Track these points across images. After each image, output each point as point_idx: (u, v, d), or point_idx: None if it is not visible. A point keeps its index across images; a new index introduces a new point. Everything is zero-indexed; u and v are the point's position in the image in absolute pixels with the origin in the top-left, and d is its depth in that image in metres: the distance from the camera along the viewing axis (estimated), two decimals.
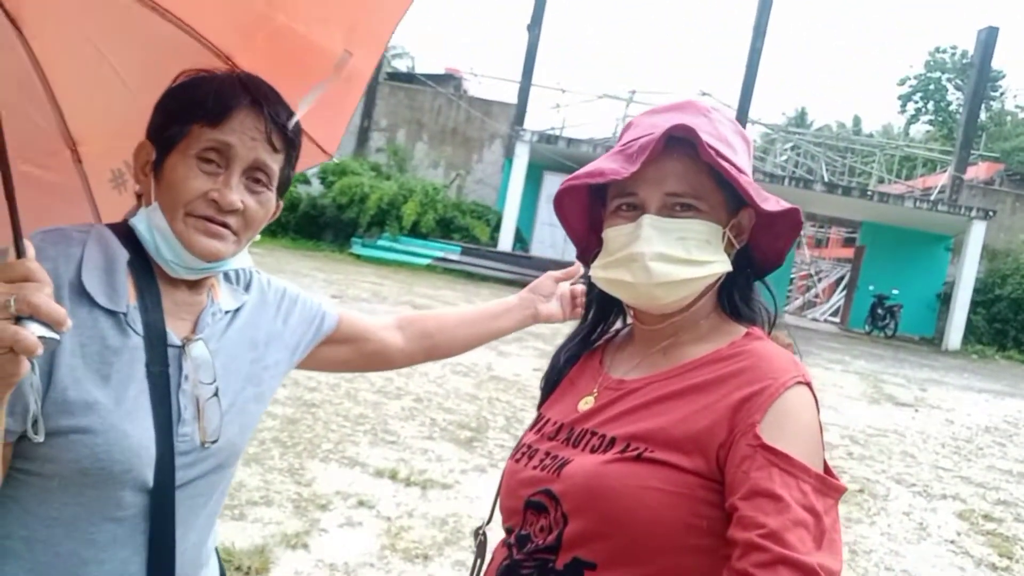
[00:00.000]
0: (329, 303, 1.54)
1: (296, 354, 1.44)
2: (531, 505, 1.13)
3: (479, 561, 1.28)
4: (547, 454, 1.16)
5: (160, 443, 1.13)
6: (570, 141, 20.75)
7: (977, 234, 19.59)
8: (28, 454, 1.09)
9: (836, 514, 0.99)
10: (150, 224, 1.18)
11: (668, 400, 1.10)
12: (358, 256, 19.08)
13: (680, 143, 1.10)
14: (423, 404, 6.61)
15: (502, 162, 22.59)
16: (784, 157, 27.55)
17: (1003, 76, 49.09)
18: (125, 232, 1.21)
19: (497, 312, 1.72)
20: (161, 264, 1.20)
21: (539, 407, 1.33)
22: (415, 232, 19.77)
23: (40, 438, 1.03)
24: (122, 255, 1.18)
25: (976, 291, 20.19)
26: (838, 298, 25.25)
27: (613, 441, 1.09)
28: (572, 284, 1.77)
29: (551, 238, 20.78)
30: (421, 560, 3.78)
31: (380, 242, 19.59)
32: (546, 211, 20.67)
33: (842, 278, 25.38)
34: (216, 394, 1.21)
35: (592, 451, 1.10)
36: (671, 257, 1.10)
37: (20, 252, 0.92)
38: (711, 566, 1.00)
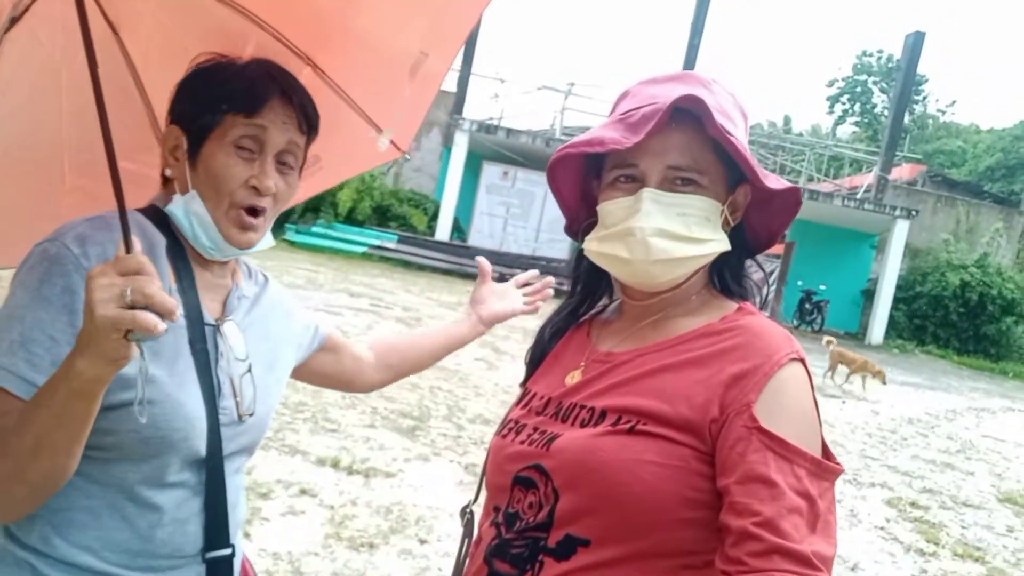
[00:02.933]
0: (318, 317, 1.65)
1: (300, 353, 1.54)
2: (519, 481, 1.09)
3: (467, 540, 1.24)
4: (535, 429, 1.12)
5: (209, 415, 1.20)
6: (509, 131, 20.71)
7: (900, 233, 20.26)
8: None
9: (832, 496, 0.98)
10: (188, 211, 1.24)
11: (660, 374, 1.07)
12: (292, 243, 18.69)
13: (684, 115, 1.06)
14: (363, 392, 6.51)
15: (440, 150, 22.43)
16: None
17: (926, 81, 50.83)
18: (156, 217, 1.26)
19: (450, 325, 1.83)
20: (199, 249, 1.27)
21: (524, 383, 1.29)
22: (351, 219, 19.48)
23: (144, 420, 1.05)
24: (160, 240, 1.24)
25: (898, 288, 20.88)
26: (766, 292, 25.84)
27: (604, 414, 1.06)
28: (528, 285, 1.88)
29: (489, 228, 20.74)
30: (366, 549, 3.72)
31: (314, 229, 19.22)
32: (485, 201, 20.64)
33: (771, 273, 25.97)
34: (250, 370, 1.28)
35: (582, 425, 1.07)
36: (671, 233, 1.06)
37: (129, 248, 0.98)
38: (705, 539, 0.99)
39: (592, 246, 1.16)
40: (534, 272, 1.91)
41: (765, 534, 0.89)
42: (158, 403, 1.13)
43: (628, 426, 1.02)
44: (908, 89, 24.15)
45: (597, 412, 1.07)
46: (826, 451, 1.01)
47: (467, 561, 1.21)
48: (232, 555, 1.25)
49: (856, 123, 52.60)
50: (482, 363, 8.84)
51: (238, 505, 1.31)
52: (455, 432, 5.94)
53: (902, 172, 28.36)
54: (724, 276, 1.18)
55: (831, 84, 54.00)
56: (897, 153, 25.60)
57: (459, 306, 13.50)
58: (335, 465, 4.70)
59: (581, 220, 1.22)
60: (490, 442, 1.21)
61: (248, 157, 1.23)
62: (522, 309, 1.84)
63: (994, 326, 20.93)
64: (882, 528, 5.55)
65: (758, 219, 1.18)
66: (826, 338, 13.09)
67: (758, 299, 1.19)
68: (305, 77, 1.45)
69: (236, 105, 1.21)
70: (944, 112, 54.78)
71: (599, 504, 1.00)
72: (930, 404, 11.98)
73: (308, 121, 1.29)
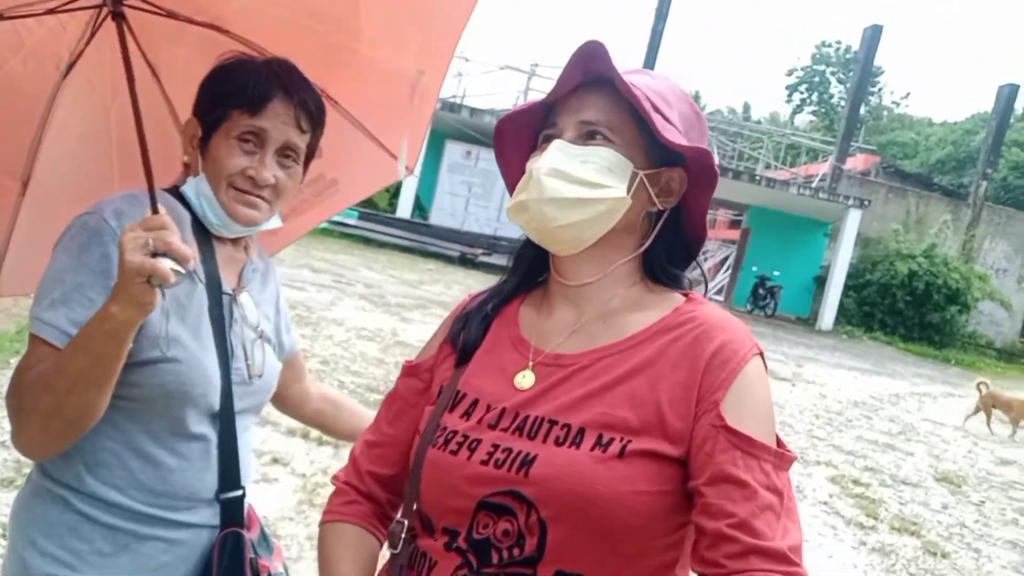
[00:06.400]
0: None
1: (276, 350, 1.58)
2: (487, 506, 1.02)
3: (399, 562, 1.10)
4: (496, 446, 1.03)
5: (223, 374, 1.36)
6: (473, 111, 20.76)
7: (853, 222, 20.80)
8: (119, 380, 1.24)
9: (789, 481, 1.00)
10: (198, 192, 1.40)
11: (628, 379, 1.03)
12: None
13: (606, 84, 1.08)
14: (330, 367, 6.64)
15: None
16: None
17: (883, 72, 51.78)
18: (178, 197, 1.42)
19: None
20: (207, 226, 1.42)
21: (457, 368, 1.16)
22: None
23: (169, 352, 1.28)
24: (186, 216, 1.39)
25: (849, 275, 21.43)
26: (722, 277, 26.29)
27: (582, 431, 1.00)
28: None
29: (451, 207, 20.79)
30: None
31: None
32: (447, 180, 20.68)
33: (727, 258, 26.41)
34: (260, 336, 1.44)
35: (557, 443, 1.00)
36: (564, 174, 1.05)
37: (155, 210, 1.17)
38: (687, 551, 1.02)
39: (509, 203, 1.13)
40: None
41: (741, 535, 0.91)
42: (184, 362, 1.30)
43: (619, 448, 0.98)
44: (865, 80, 24.69)
45: (574, 429, 1.01)
46: (779, 440, 1.02)
47: None
48: (243, 496, 1.42)
49: (813, 112, 53.46)
50: None
51: (248, 455, 1.47)
52: None
53: (856, 162, 28.96)
54: (656, 270, 1.14)
55: (790, 73, 54.79)
56: (852, 143, 26.15)
57: (421, 284, 13.62)
58: (305, 436, 4.82)
59: None
60: (422, 453, 1.10)
61: (250, 150, 1.37)
62: None
63: (939, 315, 21.61)
64: (825, 503, 5.85)
65: (692, 205, 1.15)
66: (979, 379, 11.83)
67: (700, 288, 1.17)
68: None
69: (241, 103, 1.35)
70: (898, 104, 55.93)
71: (593, 538, 0.97)
72: (875, 388, 12.42)
73: (310, 118, 1.41)
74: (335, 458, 4.62)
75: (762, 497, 0.93)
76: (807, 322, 22.45)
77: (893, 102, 55.91)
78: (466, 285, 14.99)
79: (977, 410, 11.03)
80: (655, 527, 0.98)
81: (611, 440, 0.98)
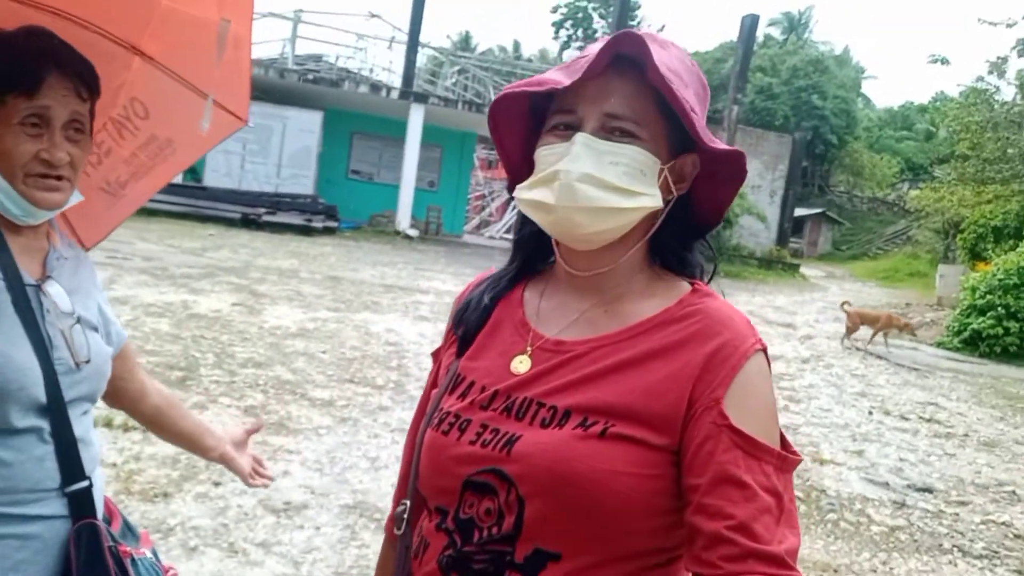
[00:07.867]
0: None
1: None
2: (472, 485, 1.02)
3: (404, 544, 1.15)
4: (484, 427, 1.04)
5: (43, 366, 1.32)
6: None
7: None
8: None
9: (791, 485, 0.98)
10: None
11: (622, 369, 1.02)
12: None
13: (630, 66, 1.01)
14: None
15: None
16: (453, 80, 28.47)
17: (639, 7, 54.39)
18: None
19: (207, 428, 1.83)
20: (10, 218, 1.35)
21: (458, 355, 1.17)
22: None
23: None
24: None
25: None
26: (510, 216, 26.95)
27: (567, 413, 1.00)
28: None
29: (226, 166, 19.81)
30: (161, 498, 3.76)
31: None
32: None
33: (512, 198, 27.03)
34: (78, 322, 1.40)
35: (543, 425, 1.00)
36: (598, 180, 0.99)
37: None
38: (675, 535, 1.00)
39: (522, 194, 1.07)
40: (260, 423, 1.95)
41: (739, 538, 0.89)
42: None
43: (600, 429, 0.97)
44: (624, 15, 25.84)
45: (560, 411, 1.00)
46: (783, 440, 1.00)
47: (406, 562, 1.13)
48: (90, 486, 1.38)
49: (580, 48, 55.31)
50: (241, 307, 8.70)
51: (91, 444, 1.43)
52: (228, 378, 5.92)
53: None
54: (667, 252, 1.12)
55: (555, 10, 56.25)
56: None
57: (204, 251, 12.99)
58: (108, 424, 4.58)
59: (523, 178, 1.10)
60: (424, 434, 1.11)
61: (36, 133, 1.31)
62: (246, 479, 1.84)
63: None
64: None
65: (705, 191, 1.10)
66: (843, 301, 13.23)
67: (703, 275, 1.14)
68: (137, 66, 1.53)
69: (16, 87, 1.29)
70: None
71: (570, 516, 0.96)
72: None
73: (87, 87, 1.37)
74: (145, 442, 4.43)
75: (761, 499, 0.92)
76: None
77: None
78: (253, 247, 14.48)
79: (848, 329, 12.56)
80: (635, 510, 0.96)
81: (595, 422, 0.98)
